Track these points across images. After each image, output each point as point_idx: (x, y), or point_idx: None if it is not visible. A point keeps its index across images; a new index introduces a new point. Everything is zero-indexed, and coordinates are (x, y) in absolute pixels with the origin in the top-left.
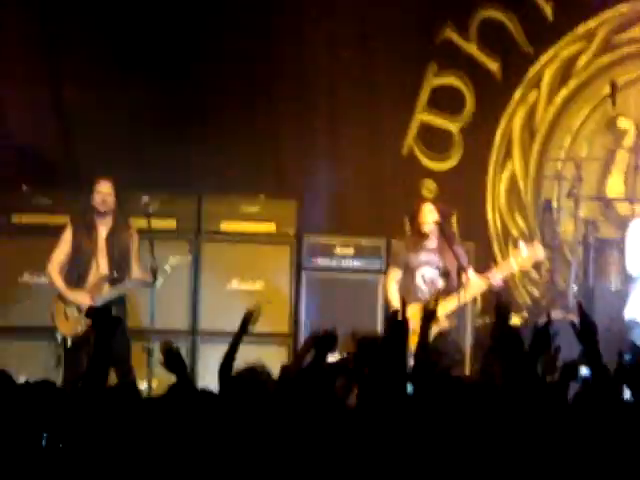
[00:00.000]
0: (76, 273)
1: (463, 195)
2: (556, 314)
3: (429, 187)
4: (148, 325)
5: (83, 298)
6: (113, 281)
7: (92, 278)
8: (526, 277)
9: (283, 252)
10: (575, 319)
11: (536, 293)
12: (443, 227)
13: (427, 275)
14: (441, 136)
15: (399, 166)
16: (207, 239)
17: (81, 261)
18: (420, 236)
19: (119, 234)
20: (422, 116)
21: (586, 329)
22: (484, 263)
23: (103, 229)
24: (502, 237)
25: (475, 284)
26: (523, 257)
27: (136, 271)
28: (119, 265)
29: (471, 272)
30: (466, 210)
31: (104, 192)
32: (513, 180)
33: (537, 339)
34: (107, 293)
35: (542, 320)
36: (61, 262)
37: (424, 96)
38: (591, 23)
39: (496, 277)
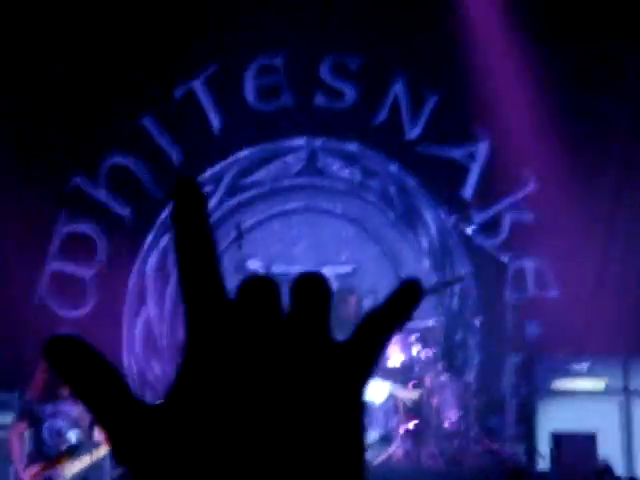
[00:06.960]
0: None
1: (99, 343)
2: None
3: None
4: None
5: None
6: None
7: None
8: None
9: None
10: None
11: None
12: None
13: (55, 427)
14: (74, 284)
15: (31, 316)
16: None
17: None
18: (56, 385)
19: None
20: (54, 265)
21: None
22: None
23: None
24: (138, 383)
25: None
26: None
27: None
28: None
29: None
30: None
31: None
32: (148, 325)
33: None
34: None
35: None
36: None
37: (55, 244)
38: (217, 167)
39: None
